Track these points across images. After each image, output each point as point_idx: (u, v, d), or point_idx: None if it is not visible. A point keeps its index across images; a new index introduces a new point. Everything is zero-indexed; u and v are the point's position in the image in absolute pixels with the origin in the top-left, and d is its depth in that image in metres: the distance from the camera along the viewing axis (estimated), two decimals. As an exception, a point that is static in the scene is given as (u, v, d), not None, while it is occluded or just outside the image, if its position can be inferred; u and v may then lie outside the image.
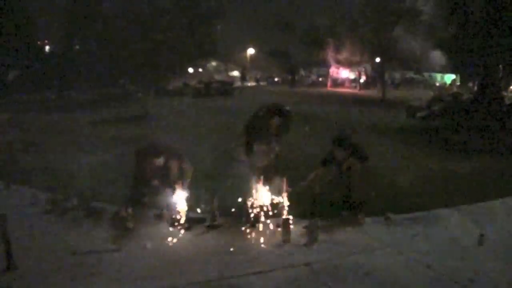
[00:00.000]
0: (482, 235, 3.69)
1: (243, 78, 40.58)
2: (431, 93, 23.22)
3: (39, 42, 29.39)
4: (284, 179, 4.06)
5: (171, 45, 15.13)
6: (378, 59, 28.13)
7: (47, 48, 31.23)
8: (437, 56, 27.05)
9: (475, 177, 6.12)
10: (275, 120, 4.53)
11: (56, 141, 8.63)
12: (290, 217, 3.81)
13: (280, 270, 3.19)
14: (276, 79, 46.18)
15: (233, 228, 3.96)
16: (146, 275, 3.09)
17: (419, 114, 14.10)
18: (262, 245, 3.63)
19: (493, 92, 13.32)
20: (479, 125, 9.74)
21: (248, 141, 4.64)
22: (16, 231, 3.36)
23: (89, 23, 21.42)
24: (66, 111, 15.29)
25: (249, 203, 4.06)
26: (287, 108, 4.70)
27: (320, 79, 42.67)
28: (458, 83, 35.88)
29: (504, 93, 16.92)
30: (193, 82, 28.98)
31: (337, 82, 38.38)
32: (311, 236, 3.71)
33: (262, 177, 4.20)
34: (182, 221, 3.95)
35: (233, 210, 4.17)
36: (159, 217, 4.14)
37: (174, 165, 4.44)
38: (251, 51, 46.26)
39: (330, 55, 30.73)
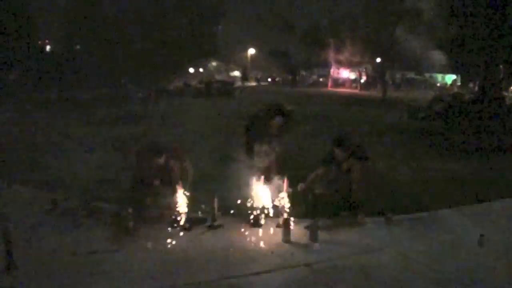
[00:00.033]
0: (482, 236, 3.68)
1: (244, 78, 40.60)
2: (431, 93, 23.21)
3: (39, 42, 29.39)
4: (285, 179, 4.06)
5: (172, 45, 15.14)
6: (378, 60, 28.12)
7: (47, 48, 31.23)
8: (438, 56, 27.01)
9: (476, 178, 6.11)
10: (277, 120, 4.52)
11: (56, 140, 8.62)
12: (291, 217, 3.81)
13: (281, 270, 3.20)
14: (277, 79, 46.22)
15: (233, 229, 3.96)
16: (146, 275, 3.09)
17: (419, 115, 14.09)
18: (263, 246, 3.63)
19: (494, 93, 13.30)
20: (480, 125, 9.70)
21: (248, 141, 4.63)
22: (16, 231, 3.36)
23: (89, 23, 21.41)
24: (66, 111, 15.27)
25: (249, 204, 4.06)
26: (289, 107, 4.68)
27: (321, 79, 42.76)
28: (459, 84, 35.89)
29: (505, 94, 16.91)
30: (193, 82, 29.01)
31: (337, 82, 38.46)
32: (312, 236, 3.71)
33: (262, 177, 4.20)
34: (182, 221, 3.95)
35: (233, 210, 4.17)
36: (160, 217, 4.14)
37: (174, 165, 4.44)
38: (251, 51, 46.30)
39: (330, 55, 30.76)
